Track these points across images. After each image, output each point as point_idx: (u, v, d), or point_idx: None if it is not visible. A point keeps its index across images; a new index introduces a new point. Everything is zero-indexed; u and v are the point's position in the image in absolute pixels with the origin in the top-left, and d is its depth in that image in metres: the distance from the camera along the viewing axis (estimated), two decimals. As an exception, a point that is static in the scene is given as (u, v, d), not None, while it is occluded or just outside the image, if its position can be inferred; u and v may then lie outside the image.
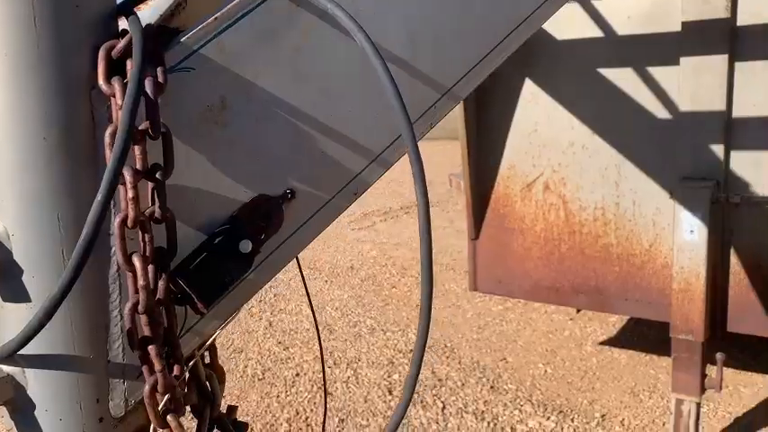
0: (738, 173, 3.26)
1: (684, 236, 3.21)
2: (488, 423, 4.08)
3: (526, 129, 3.87)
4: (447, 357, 5.06)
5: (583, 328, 5.48)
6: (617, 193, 3.64)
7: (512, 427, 4.02)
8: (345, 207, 1.26)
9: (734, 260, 3.38)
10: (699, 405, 3.38)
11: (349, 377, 4.78)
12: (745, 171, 3.25)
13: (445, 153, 10.00)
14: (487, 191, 4.11)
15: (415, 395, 4.48)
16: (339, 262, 7.74)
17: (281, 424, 4.19)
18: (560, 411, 4.20)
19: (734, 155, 3.26)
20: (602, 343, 5.23)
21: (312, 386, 4.67)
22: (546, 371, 4.81)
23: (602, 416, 4.13)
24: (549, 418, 4.11)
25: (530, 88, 3.80)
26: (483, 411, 4.22)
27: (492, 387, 4.55)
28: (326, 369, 4.92)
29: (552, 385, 4.58)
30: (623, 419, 4.08)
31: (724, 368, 3.22)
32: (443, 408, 4.28)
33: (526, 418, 4.12)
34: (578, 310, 5.20)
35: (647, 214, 3.57)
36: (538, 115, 3.81)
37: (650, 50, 3.41)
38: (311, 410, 4.35)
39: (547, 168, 3.84)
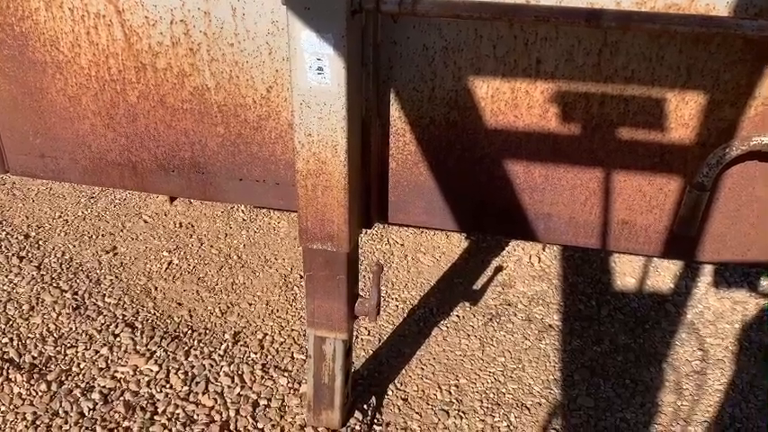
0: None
1: (308, 77, 1.73)
2: (49, 385, 2.53)
3: None
4: (19, 261, 3.29)
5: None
6: (204, -6, 1.98)
7: (86, 387, 2.54)
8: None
9: (395, 113, 2.05)
10: (348, 343, 2.20)
11: None
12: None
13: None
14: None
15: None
16: None
17: None
18: (174, 337, 2.81)
19: None
20: (259, 206, 3.86)
21: None
22: (171, 262, 3.34)
23: (235, 335, 2.84)
24: (153, 355, 2.69)
25: None
26: (48, 360, 2.65)
27: (77, 308, 2.96)
28: None
29: (174, 288, 3.14)
30: (264, 336, 2.84)
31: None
32: (-20, 364, 2.61)
33: (116, 362, 2.66)
34: (172, 200, 3.66)
35: (260, 33, 2.01)
36: None
37: None
38: None
39: (76, -57, 2.00)
